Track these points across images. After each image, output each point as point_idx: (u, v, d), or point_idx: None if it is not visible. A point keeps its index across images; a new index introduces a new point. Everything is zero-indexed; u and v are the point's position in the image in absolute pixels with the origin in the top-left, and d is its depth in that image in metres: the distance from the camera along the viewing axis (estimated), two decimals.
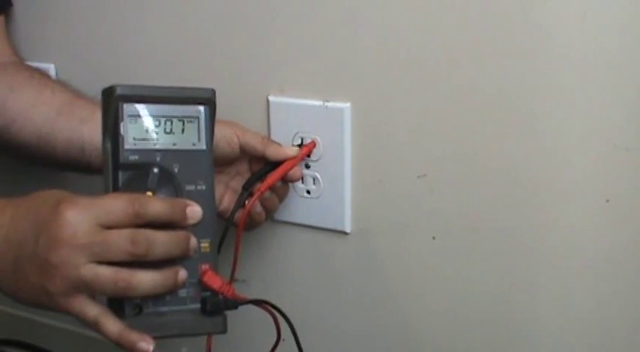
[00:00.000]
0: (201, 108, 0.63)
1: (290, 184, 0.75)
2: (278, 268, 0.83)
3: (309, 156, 0.75)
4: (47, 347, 1.05)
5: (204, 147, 0.63)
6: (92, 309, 0.57)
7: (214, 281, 0.61)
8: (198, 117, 0.63)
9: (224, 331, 0.62)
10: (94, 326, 0.58)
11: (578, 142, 0.64)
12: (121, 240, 0.56)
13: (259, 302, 0.63)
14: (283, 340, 0.66)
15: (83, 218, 0.56)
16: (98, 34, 0.87)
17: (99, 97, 0.62)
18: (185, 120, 0.62)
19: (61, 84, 0.82)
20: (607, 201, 0.64)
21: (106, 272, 0.56)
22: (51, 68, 0.90)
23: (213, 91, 0.63)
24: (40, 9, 0.90)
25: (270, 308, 0.64)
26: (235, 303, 0.61)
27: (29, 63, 0.88)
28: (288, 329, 0.65)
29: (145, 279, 0.57)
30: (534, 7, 0.62)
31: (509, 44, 0.64)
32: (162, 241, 0.57)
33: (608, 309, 0.66)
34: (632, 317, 0.66)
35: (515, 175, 0.67)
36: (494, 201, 0.68)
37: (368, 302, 0.78)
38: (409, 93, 0.70)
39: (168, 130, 0.61)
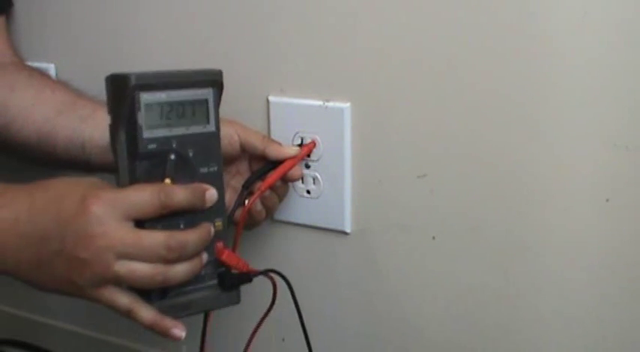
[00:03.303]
0: (210, 90, 0.63)
1: (290, 184, 0.75)
2: (278, 268, 0.83)
3: (309, 156, 0.75)
4: (47, 347, 1.05)
5: (213, 128, 0.63)
6: (123, 298, 0.59)
7: (232, 259, 0.64)
8: (207, 100, 0.63)
9: (239, 302, 0.65)
10: (126, 314, 0.59)
11: (578, 142, 0.64)
12: (156, 246, 0.57)
13: (267, 272, 0.66)
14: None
15: (111, 213, 0.56)
16: (98, 34, 0.87)
17: (99, 97, 0.62)
18: (195, 103, 0.62)
19: (61, 83, 0.82)
20: (607, 200, 0.64)
21: (142, 269, 0.57)
22: (51, 68, 0.91)
23: (220, 72, 0.64)
24: (40, 9, 0.91)
25: (275, 275, 0.66)
26: (249, 277, 0.64)
27: (29, 63, 0.88)
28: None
29: (180, 271, 0.59)
30: (534, 6, 0.62)
31: (508, 44, 0.64)
32: (192, 242, 0.59)
33: (608, 309, 0.66)
34: (632, 316, 0.66)
35: (515, 175, 0.67)
36: (494, 201, 0.68)
37: (368, 301, 0.78)
38: (409, 94, 0.70)
39: (180, 115, 0.62)
